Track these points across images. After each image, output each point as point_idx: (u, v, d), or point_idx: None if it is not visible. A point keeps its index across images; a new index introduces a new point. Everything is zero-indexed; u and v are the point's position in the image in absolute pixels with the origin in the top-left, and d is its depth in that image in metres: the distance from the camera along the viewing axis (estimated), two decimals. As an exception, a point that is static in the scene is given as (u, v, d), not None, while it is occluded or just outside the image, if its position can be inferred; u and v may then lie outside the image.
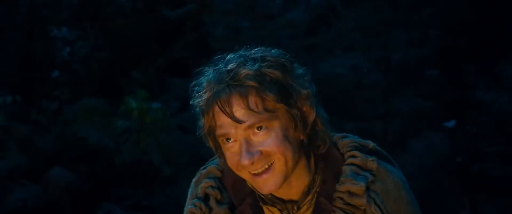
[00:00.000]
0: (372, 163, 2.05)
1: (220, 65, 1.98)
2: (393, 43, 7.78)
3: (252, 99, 1.91)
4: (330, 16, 8.16)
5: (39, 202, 7.33)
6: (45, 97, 8.57)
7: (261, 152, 1.93)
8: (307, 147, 2.02)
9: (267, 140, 1.93)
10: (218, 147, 2.01)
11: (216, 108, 1.93)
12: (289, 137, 1.95)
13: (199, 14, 8.91)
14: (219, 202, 2.10)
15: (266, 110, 1.91)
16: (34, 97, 8.61)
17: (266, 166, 1.94)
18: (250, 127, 1.91)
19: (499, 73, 7.36)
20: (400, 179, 2.08)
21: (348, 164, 2.05)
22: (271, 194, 2.05)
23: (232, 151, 1.96)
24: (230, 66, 1.95)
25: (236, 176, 2.07)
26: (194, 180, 2.20)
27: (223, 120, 1.93)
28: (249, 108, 1.90)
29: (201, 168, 2.20)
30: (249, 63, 1.95)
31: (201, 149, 7.18)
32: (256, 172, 1.94)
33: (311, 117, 1.98)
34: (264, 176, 1.95)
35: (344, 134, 2.12)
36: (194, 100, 2.01)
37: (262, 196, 2.06)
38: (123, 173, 7.74)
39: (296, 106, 1.94)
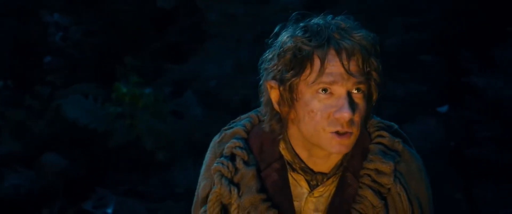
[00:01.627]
0: (398, 144, 2.11)
1: (332, 21, 2.02)
2: (389, 27, 7.75)
3: (365, 60, 1.98)
4: (324, 0, 8.13)
5: (32, 187, 7.31)
6: (38, 83, 8.53)
7: (355, 113, 1.98)
8: None
9: (361, 104, 2.00)
10: (291, 103, 1.98)
11: (331, 55, 1.95)
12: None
13: (193, -2, 8.87)
14: (246, 163, 2.09)
15: (369, 74, 1.99)
16: (27, 83, 8.57)
17: (352, 129, 1.98)
18: (357, 83, 1.97)
19: (494, 58, 7.35)
20: (421, 162, 2.16)
21: (376, 143, 2.10)
22: (304, 163, 2.06)
23: (329, 102, 1.96)
24: (343, 25, 2.00)
25: (264, 139, 2.10)
26: (216, 139, 2.19)
27: (334, 68, 1.95)
28: (361, 66, 1.97)
29: (224, 127, 2.20)
30: (358, 28, 2.02)
31: (195, 134, 7.17)
32: (344, 131, 1.96)
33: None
34: (344, 139, 1.97)
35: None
36: (290, 45, 1.97)
37: (293, 164, 2.07)
38: (117, 158, 7.72)
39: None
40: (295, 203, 2.09)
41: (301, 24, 2.06)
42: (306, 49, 1.98)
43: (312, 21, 2.06)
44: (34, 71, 8.88)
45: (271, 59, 2.04)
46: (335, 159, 2.08)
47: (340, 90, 1.97)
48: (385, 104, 7.66)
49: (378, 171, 2.06)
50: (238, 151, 2.13)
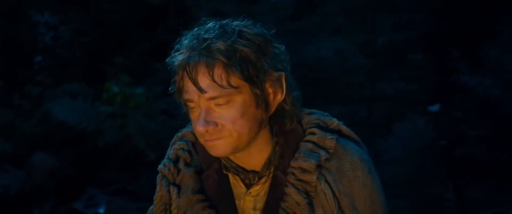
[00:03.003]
0: (330, 141, 2.09)
1: (200, 31, 2.05)
2: (378, 26, 7.76)
3: (217, 72, 1.97)
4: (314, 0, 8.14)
5: (23, 187, 7.30)
6: (28, 82, 8.52)
7: (216, 124, 2.00)
8: (272, 122, 2.08)
9: (226, 114, 2.00)
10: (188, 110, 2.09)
11: (184, 72, 2.01)
12: (249, 114, 2.01)
13: (183, -2, 8.87)
14: (187, 164, 2.17)
15: (230, 84, 1.97)
16: (16, 82, 8.56)
17: (218, 137, 2.01)
18: (212, 98, 1.99)
19: (483, 56, 7.37)
20: (360, 159, 2.10)
21: (305, 141, 2.09)
22: (234, 163, 2.11)
23: (194, 116, 2.05)
24: (206, 35, 2.01)
25: None
26: (171, 142, 2.28)
27: (189, 85, 2.01)
28: (213, 80, 1.97)
29: (179, 131, 2.29)
30: (224, 36, 1.99)
31: (185, 134, 7.16)
32: (209, 139, 2.02)
33: (278, 97, 2.04)
34: (215, 141, 2.02)
35: (313, 110, 2.17)
36: (169, 59, 2.08)
37: (226, 163, 2.12)
38: (107, 158, 7.71)
39: (261, 86, 2.00)
40: (237, 202, 2.14)
41: (186, 34, 2.12)
42: (173, 66, 2.06)
43: (193, 31, 2.10)
44: (24, 71, 8.86)
45: None
46: (258, 157, 2.11)
47: (197, 104, 2.03)
48: (375, 104, 7.68)
49: (302, 169, 2.07)
50: (181, 153, 2.21)
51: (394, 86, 7.71)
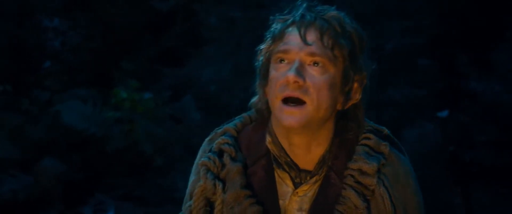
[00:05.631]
0: (384, 147, 2.10)
1: (313, 2, 2.06)
2: (387, 32, 7.76)
3: (327, 37, 1.99)
4: (323, 4, 8.13)
5: (31, 192, 7.31)
6: (36, 88, 8.53)
7: (305, 81, 1.97)
8: (338, 122, 2.08)
9: (317, 76, 1.99)
10: (265, 76, 2.05)
11: (292, 28, 2.01)
12: (333, 91, 2.01)
13: (191, 3, 8.87)
14: (233, 159, 2.10)
15: (333, 52, 1.98)
16: (25, 88, 8.57)
17: (301, 96, 1.97)
18: (312, 54, 1.98)
19: (492, 62, 7.35)
20: (410, 168, 2.14)
21: (362, 145, 2.08)
22: (289, 158, 2.07)
23: (282, 71, 2.00)
24: (322, 6, 2.05)
25: (252, 137, 2.13)
26: (207, 138, 2.21)
27: (292, 38, 2.00)
28: (321, 40, 1.98)
29: (217, 128, 2.21)
30: (340, 14, 2.06)
31: (193, 139, 7.17)
32: (291, 94, 1.97)
33: (356, 96, 2.07)
34: (294, 108, 1.98)
35: None
36: (272, 21, 2.07)
37: (279, 159, 2.07)
38: (115, 163, 7.72)
39: (353, 73, 2.03)
40: (280, 202, 2.10)
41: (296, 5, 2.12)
42: (278, 26, 2.06)
43: (308, 1, 2.10)
44: (32, 76, 8.87)
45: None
46: (315, 153, 2.08)
47: (293, 58, 2.01)
48: (384, 109, 7.67)
49: (361, 172, 2.06)
50: (226, 147, 2.14)
51: (403, 92, 7.70)
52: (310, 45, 1.98)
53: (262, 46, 2.08)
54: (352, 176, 2.06)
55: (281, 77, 2.00)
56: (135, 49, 9.04)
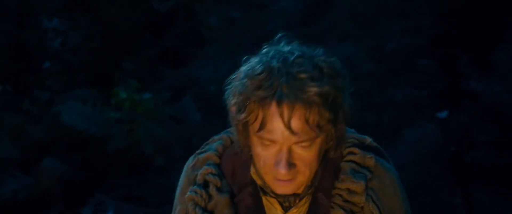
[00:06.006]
0: (370, 160, 2.08)
1: (287, 63, 1.93)
2: (387, 32, 7.76)
3: (313, 116, 1.90)
4: (323, 5, 8.13)
5: (31, 193, 7.31)
6: (36, 88, 8.53)
7: (295, 166, 1.95)
8: None
9: (306, 155, 1.95)
10: (246, 139, 2.00)
11: (273, 109, 1.90)
12: (321, 153, 2.00)
13: (191, 3, 8.88)
14: (219, 190, 2.09)
15: (319, 127, 1.92)
16: (25, 88, 8.57)
17: (293, 178, 1.97)
18: (299, 141, 1.92)
19: (492, 62, 7.35)
20: (396, 176, 2.12)
21: (347, 161, 2.07)
22: None
23: (270, 152, 1.95)
24: (299, 72, 1.90)
25: (235, 164, 2.10)
26: (189, 163, 2.19)
27: (275, 125, 1.91)
28: (307, 122, 1.89)
29: (197, 151, 2.19)
30: (317, 75, 1.91)
31: (194, 139, 7.17)
32: (283, 180, 1.97)
33: (343, 134, 2.03)
34: (287, 183, 1.97)
35: None
36: (243, 85, 1.95)
37: (264, 188, 2.07)
38: (115, 163, 7.72)
39: (338, 125, 1.98)
40: None
41: (262, 59, 1.99)
42: (253, 99, 1.94)
43: (273, 62, 1.96)
44: (32, 76, 8.88)
45: (234, 86, 2.04)
46: (302, 179, 2.07)
47: (279, 144, 1.94)
48: (384, 109, 7.67)
49: (349, 191, 2.05)
50: (210, 178, 2.12)
51: (403, 92, 7.70)
52: (297, 134, 1.91)
53: (237, 111, 1.99)
54: (340, 195, 2.06)
55: (269, 160, 1.96)
56: (135, 50, 9.04)
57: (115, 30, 9.14)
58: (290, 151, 1.94)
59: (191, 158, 2.23)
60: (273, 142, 1.94)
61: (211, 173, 2.13)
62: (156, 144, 7.45)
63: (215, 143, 2.20)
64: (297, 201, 2.07)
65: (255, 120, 1.94)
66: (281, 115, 1.89)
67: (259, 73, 1.96)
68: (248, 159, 2.10)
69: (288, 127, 1.90)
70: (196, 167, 2.18)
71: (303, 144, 1.93)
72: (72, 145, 7.83)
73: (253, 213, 2.09)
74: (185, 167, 2.24)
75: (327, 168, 2.08)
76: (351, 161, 2.08)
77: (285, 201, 2.08)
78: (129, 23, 9.17)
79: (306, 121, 1.90)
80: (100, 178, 7.65)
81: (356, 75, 7.75)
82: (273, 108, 1.90)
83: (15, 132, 7.78)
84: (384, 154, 2.17)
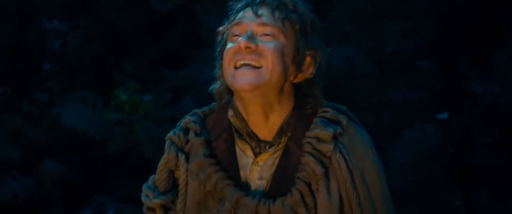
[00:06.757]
0: (342, 119, 2.19)
1: None
2: (387, 33, 7.76)
3: (279, 11, 2.13)
4: (323, 5, 8.14)
5: (31, 194, 7.31)
6: (36, 89, 8.53)
7: (257, 46, 2.09)
8: (297, 98, 2.17)
9: (268, 43, 2.10)
10: (222, 49, 2.18)
11: (246, 4, 2.16)
12: (285, 59, 2.12)
13: (191, 4, 8.88)
14: (197, 135, 2.21)
15: (284, 24, 2.10)
16: (25, 89, 8.57)
17: (253, 63, 2.08)
18: (263, 24, 2.10)
19: (492, 63, 7.36)
20: (367, 139, 2.20)
21: (320, 116, 2.18)
22: (250, 128, 2.16)
23: (235, 40, 2.12)
24: None
25: (217, 117, 2.24)
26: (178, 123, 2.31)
27: (245, 14, 2.14)
28: (272, 13, 2.12)
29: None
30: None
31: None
32: (242, 62, 2.09)
33: (309, 71, 2.16)
34: (247, 70, 2.08)
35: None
36: (232, 4, 2.22)
37: (241, 131, 2.17)
38: (115, 165, 7.72)
39: (303, 47, 2.14)
40: (241, 173, 2.18)
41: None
42: (236, 5, 2.20)
43: None
44: (32, 77, 8.88)
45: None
46: (273, 123, 2.16)
47: (245, 29, 2.13)
48: (384, 110, 7.67)
49: (318, 139, 2.13)
50: (191, 125, 2.25)
51: (403, 93, 7.71)
52: (260, 16, 2.11)
53: (221, 28, 2.22)
54: (309, 143, 2.14)
55: (235, 46, 2.11)
56: (135, 51, 9.04)
57: (115, 31, 9.14)
58: (253, 34, 2.11)
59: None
60: (240, 25, 2.13)
61: (193, 121, 2.25)
62: (156, 145, 7.45)
63: (205, 107, 2.34)
64: (267, 147, 2.15)
65: (232, 20, 2.17)
66: (252, 5, 2.15)
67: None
68: (228, 109, 2.22)
69: (255, 11, 2.13)
70: (182, 121, 2.32)
71: (268, 30, 2.10)
72: (72, 147, 7.83)
73: (227, 158, 2.18)
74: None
75: (301, 120, 2.16)
76: (323, 116, 2.18)
77: (257, 146, 2.16)
78: (129, 25, 9.17)
79: (272, 11, 2.12)
80: (100, 180, 7.66)
81: (356, 76, 7.76)
82: (247, 4, 2.17)
83: (15, 134, 7.78)
84: (358, 123, 2.24)
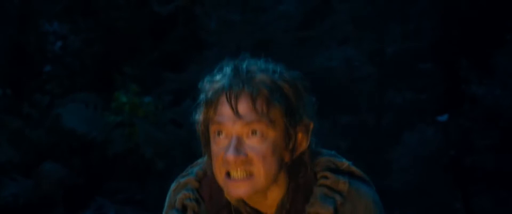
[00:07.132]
0: (343, 184, 2.08)
1: (241, 63, 2.02)
2: (387, 36, 7.76)
3: (259, 103, 1.94)
4: (323, 8, 8.14)
5: (31, 196, 7.31)
6: (37, 92, 8.54)
7: (247, 155, 1.96)
8: (291, 167, 2.05)
9: (258, 146, 1.97)
10: (208, 144, 2.03)
11: (222, 98, 1.96)
12: (277, 154, 2.00)
13: (191, 7, 8.88)
14: None
15: (269, 117, 1.95)
16: (26, 92, 8.58)
17: (245, 174, 1.97)
18: (248, 125, 1.95)
19: (492, 66, 7.36)
20: (372, 201, 2.11)
21: (320, 185, 2.08)
22: (249, 207, 2.08)
23: (221, 146, 1.97)
24: (249, 67, 1.99)
25: (213, 188, 2.12)
26: (172, 187, 2.22)
27: (224, 111, 1.96)
28: (254, 108, 1.94)
29: (180, 175, 2.23)
30: (267, 71, 1.98)
31: (193, 143, 7.17)
32: (233, 175, 1.97)
33: (303, 145, 2.03)
34: (239, 181, 1.97)
35: (319, 150, 2.14)
36: (202, 87, 2.02)
37: (240, 208, 2.09)
38: (115, 167, 7.72)
39: (294, 128, 1.99)
40: None
41: (220, 66, 2.06)
42: (210, 92, 2.00)
43: (235, 64, 2.03)
44: (33, 80, 8.88)
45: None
46: (272, 199, 2.09)
47: (229, 132, 1.97)
48: (385, 113, 7.67)
49: None
50: (188, 203, 2.16)
51: (403, 96, 7.71)
52: (243, 117, 1.94)
53: (198, 115, 2.03)
54: None
55: (221, 151, 1.97)
56: (136, 53, 9.05)
57: (115, 34, 9.15)
58: (239, 140, 1.96)
59: (174, 182, 2.24)
60: (222, 128, 1.96)
61: (189, 198, 2.16)
62: (156, 147, 7.46)
63: (196, 167, 2.21)
64: None
65: (210, 115, 1.99)
66: (229, 100, 1.94)
67: (217, 73, 2.03)
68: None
69: (235, 109, 1.93)
70: (177, 192, 2.21)
71: (254, 128, 1.95)
72: (73, 149, 7.83)
73: None
74: (169, 191, 2.26)
75: (299, 192, 2.09)
76: (322, 185, 2.08)
77: None
78: (130, 27, 9.18)
79: (253, 104, 1.94)
80: (100, 182, 7.66)
81: (356, 78, 7.76)
82: (223, 96, 1.96)
83: (16, 136, 7.79)
84: (363, 178, 2.15)
